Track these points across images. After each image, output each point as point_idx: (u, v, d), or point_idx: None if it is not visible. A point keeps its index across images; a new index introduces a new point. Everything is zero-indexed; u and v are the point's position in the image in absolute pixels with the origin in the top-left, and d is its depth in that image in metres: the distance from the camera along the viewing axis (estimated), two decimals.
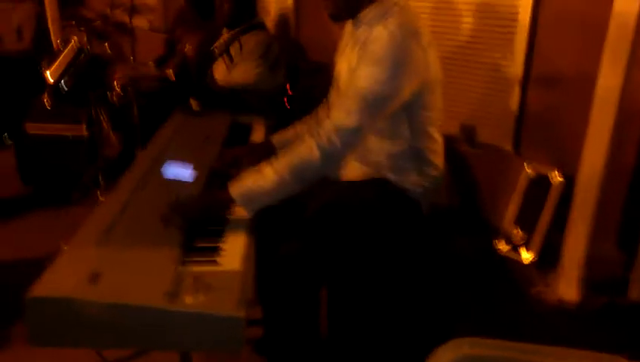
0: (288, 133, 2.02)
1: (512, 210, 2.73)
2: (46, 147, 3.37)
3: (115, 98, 3.18)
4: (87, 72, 3.04)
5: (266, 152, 1.96)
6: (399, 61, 1.49)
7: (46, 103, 3.43)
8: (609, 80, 2.08)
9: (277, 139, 2.02)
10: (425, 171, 1.71)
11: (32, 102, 3.48)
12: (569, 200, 2.43)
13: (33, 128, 3.37)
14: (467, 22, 2.74)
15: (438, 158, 1.75)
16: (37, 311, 1.14)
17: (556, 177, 2.59)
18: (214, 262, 1.30)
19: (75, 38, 3.20)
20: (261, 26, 2.73)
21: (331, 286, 1.67)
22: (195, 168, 1.78)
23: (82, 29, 3.11)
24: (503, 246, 2.74)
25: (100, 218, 1.45)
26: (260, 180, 1.48)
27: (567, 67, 2.45)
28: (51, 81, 3.28)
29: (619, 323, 2.29)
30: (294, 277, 1.51)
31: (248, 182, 1.49)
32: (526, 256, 2.65)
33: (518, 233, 2.70)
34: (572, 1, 2.37)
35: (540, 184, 2.65)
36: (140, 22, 3.93)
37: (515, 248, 2.69)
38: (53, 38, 4.82)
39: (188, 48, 2.79)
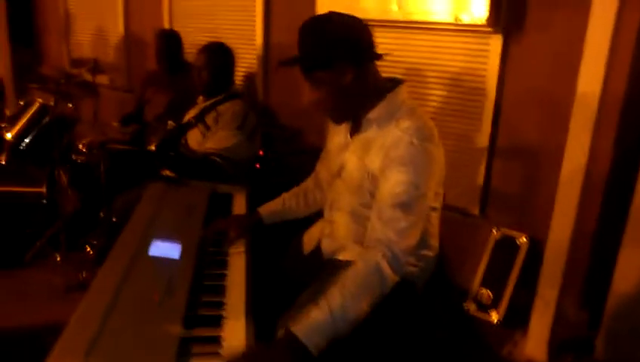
0: (275, 204, 2.05)
1: (479, 271, 2.81)
2: (3, 207, 3.23)
3: (79, 159, 3.12)
4: (52, 133, 2.96)
5: (253, 224, 2.00)
6: (424, 165, 1.54)
7: (2, 162, 3.33)
8: (576, 153, 2.21)
9: (264, 210, 2.04)
10: (421, 253, 1.74)
11: None
12: (535, 262, 2.53)
13: None
14: (436, 92, 2.87)
15: (434, 240, 1.79)
16: None
17: (522, 240, 2.70)
18: (217, 354, 1.28)
19: (40, 99, 3.14)
20: (238, 95, 2.75)
21: None
22: (181, 243, 1.75)
23: (49, 87, 3.04)
24: (471, 307, 2.80)
25: (91, 309, 1.39)
26: (340, 323, 1.39)
27: (530, 139, 2.60)
28: (12, 141, 3.19)
29: None
30: None
31: (316, 328, 1.36)
32: (494, 315, 2.72)
33: (486, 293, 2.77)
34: (534, 79, 2.53)
35: (507, 246, 2.75)
36: (101, 80, 3.89)
37: (484, 308, 2.76)
38: (6, 85, 4.72)
39: (170, 125, 2.79)
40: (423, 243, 1.72)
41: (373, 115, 1.66)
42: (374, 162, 1.61)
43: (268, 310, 1.59)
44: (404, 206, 1.50)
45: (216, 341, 1.33)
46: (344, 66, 1.57)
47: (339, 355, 1.61)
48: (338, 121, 1.75)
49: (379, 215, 1.53)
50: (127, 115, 3.65)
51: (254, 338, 1.38)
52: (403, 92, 1.68)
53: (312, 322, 1.35)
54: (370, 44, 1.62)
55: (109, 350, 1.23)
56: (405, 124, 1.57)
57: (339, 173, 1.78)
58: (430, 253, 1.78)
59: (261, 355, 1.31)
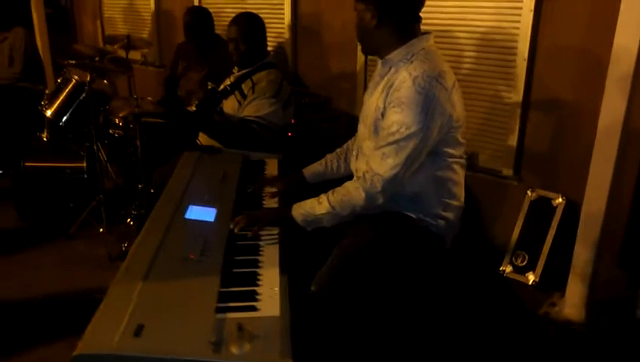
0: (318, 165, 2.13)
1: (515, 233, 2.79)
2: (46, 183, 3.35)
3: (117, 134, 3.20)
4: (89, 109, 3.03)
5: (295, 182, 2.12)
6: (424, 104, 1.57)
7: (44, 139, 3.44)
8: (612, 110, 2.16)
9: (308, 170, 2.14)
10: (446, 202, 1.77)
11: (30, 139, 3.47)
12: (571, 223, 2.50)
13: (33, 164, 3.34)
14: (468, 54, 2.83)
15: (459, 190, 1.81)
16: None
17: (558, 200, 2.66)
18: (253, 308, 1.32)
19: (77, 77, 3.21)
20: (274, 64, 2.76)
21: (358, 323, 1.70)
22: (216, 207, 1.80)
23: (84, 64, 3.11)
24: (507, 269, 2.79)
25: (133, 267, 1.45)
26: (317, 208, 1.72)
27: (565, 97, 2.55)
28: (52, 119, 3.29)
29: (626, 341, 2.34)
30: (324, 315, 1.54)
31: (307, 207, 1.74)
32: (530, 277, 2.70)
33: (522, 255, 2.75)
34: (569, 36, 2.47)
35: (542, 207, 2.72)
36: (134, 55, 3.95)
37: (520, 270, 2.75)
38: (44, 65, 4.83)
39: (210, 86, 2.85)
40: (446, 191, 1.76)
41: (391, 55, 1.72)
42: (380, 101, 1.68)
43: (302, 265, 1.64)
44: (395, 144, 1.60)
45: (252, 296, 1.37)
46: (373, 11, 1.68)
47: (365, 301, 1.66)
48: (363, 50, 1.89)
49: (375, 149, 1.67)
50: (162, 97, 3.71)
51: (288, 291, 1.41)
52: (426, 40, 1.71)
53: (308, 211, 1.73)
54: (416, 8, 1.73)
55: (151, 308, 1.28)
56: (414, 66, 1.62)
57: (363, 120, 1.84)
58: (454, 203, 1.80)
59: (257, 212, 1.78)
